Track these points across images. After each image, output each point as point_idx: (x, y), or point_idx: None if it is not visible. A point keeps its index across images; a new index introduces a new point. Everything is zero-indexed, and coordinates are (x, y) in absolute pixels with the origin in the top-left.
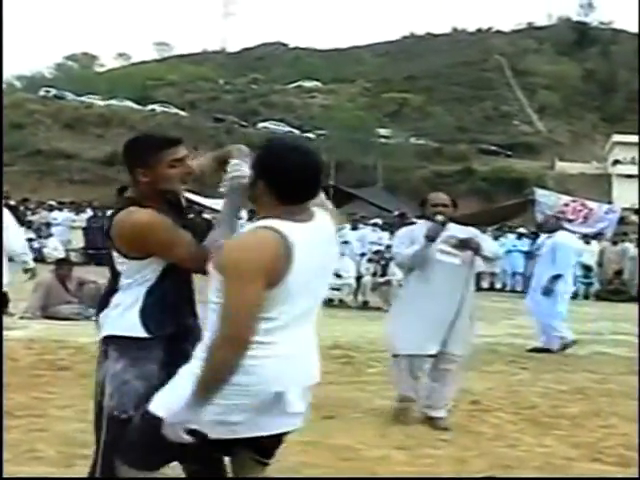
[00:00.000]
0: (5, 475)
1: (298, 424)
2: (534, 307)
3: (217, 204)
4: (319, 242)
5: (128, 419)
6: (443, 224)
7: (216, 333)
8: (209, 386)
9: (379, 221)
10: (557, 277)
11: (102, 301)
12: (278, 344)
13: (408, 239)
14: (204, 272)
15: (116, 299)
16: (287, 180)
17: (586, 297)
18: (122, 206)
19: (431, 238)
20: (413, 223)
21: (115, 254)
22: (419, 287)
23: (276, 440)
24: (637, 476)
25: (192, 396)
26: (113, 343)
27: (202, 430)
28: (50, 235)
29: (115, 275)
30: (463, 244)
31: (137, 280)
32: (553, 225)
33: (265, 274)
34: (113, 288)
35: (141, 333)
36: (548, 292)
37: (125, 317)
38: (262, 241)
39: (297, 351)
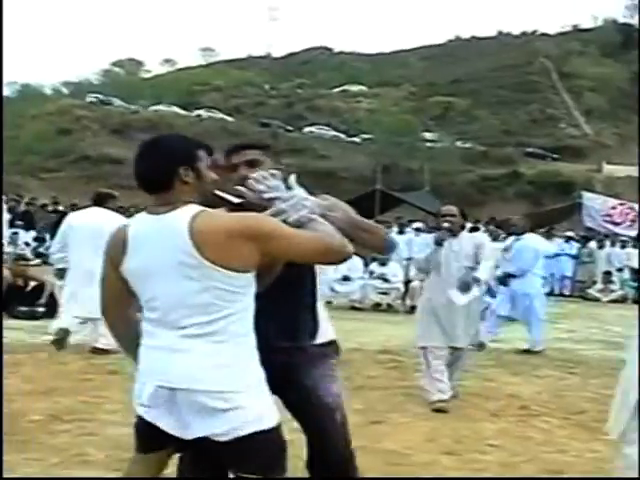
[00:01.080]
0: (5, 475)
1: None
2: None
3: None
4: (151, 237)
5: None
6: (449, 230)
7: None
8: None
9: (421, 225)
10: (512, 276)
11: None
12: (147, 336)
13: (427, 247)
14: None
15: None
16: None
17: (635, 301)
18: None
19: (439, 242)
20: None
21: None
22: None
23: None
24: (637, 476)
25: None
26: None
27: None
28: None
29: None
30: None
31: None
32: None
33: (109, 258)
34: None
35: None
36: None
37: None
38: (116, 229)
39: (158, 347)
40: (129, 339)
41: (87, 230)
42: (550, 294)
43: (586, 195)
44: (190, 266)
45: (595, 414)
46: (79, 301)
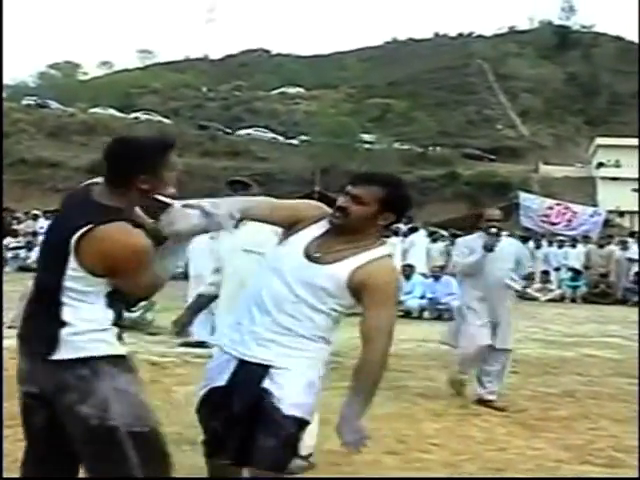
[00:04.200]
0: (5, 475)
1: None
2: None
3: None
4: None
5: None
6: (497, 235)
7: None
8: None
9: None
10: None
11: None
12: None
13: (467, 249)
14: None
15: (85, 315)
16: None
17: (573, 300)
18: (102, 216)
19: (489, 248)
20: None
21: (75, 267)
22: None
23: None
24: (637, 476)
25: (363, 404)
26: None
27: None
28: (35, 244)
29: (56, 287)
30: None
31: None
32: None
33: None
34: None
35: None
36: None
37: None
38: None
39: None
40: None
41: None
42: None
43: (523, 195)
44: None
45: (535, 412)
46: None
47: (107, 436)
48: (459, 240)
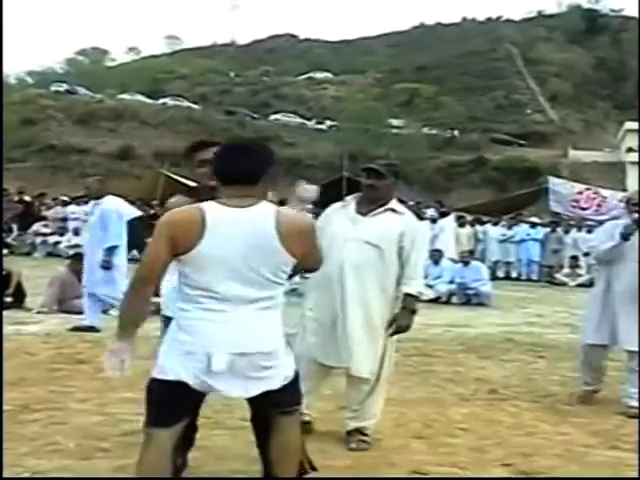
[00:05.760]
0: (5, 475)
1: (225, 389)
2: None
3: None
4: (240, 227)
5: None
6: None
7: None
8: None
9: None
10: (113, 249)
11: None
12: (210, 311)
13: (606, 235)
14: None
15: None
16: (215, 169)
17: None
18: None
19: (627, 237)
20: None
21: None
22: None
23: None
24: (637, 476)
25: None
26: None
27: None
28: (65, 230)
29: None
30: None
31: None
32: (99, 191)
33: (170, 237)
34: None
35: None
36: (107, 266)
37: None
38: (182, 213)
39: (229, 320)
40: (143, 315)
41: None
42: (518, 279)
43: (552, 180)
44: (270, 251)
45: (563, 397)
46: None
47: None
48: (602, 227)
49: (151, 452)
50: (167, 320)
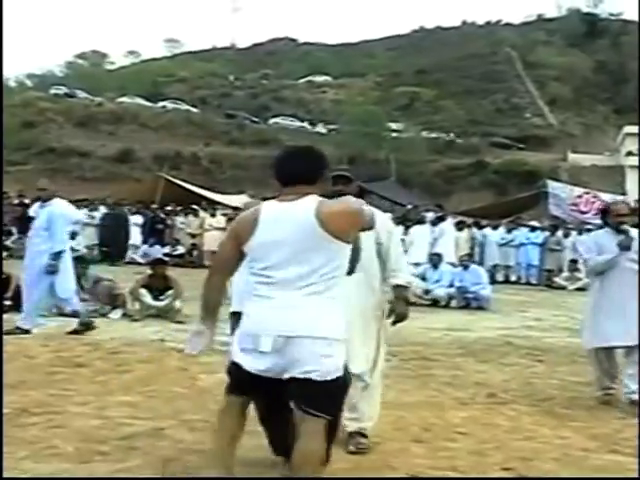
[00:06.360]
0: (5, 475)
1: (272, 368)
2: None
3: (227, 200)
4: (285, 217)
5: None
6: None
7: None
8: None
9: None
10: (58, 254)
11: None
12: (261, 297)
13: (596, 246)
14: None
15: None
16: (273, 170)
17: None
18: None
19: (625, 248)
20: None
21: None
22: (604, 290)
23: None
24: (637, 476)
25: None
26: None
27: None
28: None
29: None
30: None
31: None
32: (49, 195)
33: (235, 233)
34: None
35: None
36: (52, 270)
37: None
38: (245, 212)
39: (278, 304)
40: (217, 301)
41: None
42: (517, 283)
43: (552, 184)
44: (313, 236)
45: (562, 401)
46: None
47: None
48: (583, 237)
49: (223, 413)
50: (232, 315)
